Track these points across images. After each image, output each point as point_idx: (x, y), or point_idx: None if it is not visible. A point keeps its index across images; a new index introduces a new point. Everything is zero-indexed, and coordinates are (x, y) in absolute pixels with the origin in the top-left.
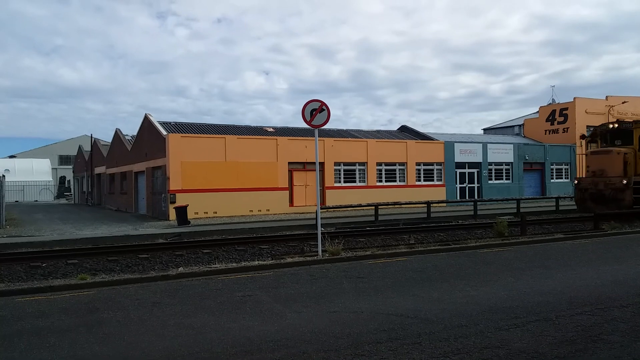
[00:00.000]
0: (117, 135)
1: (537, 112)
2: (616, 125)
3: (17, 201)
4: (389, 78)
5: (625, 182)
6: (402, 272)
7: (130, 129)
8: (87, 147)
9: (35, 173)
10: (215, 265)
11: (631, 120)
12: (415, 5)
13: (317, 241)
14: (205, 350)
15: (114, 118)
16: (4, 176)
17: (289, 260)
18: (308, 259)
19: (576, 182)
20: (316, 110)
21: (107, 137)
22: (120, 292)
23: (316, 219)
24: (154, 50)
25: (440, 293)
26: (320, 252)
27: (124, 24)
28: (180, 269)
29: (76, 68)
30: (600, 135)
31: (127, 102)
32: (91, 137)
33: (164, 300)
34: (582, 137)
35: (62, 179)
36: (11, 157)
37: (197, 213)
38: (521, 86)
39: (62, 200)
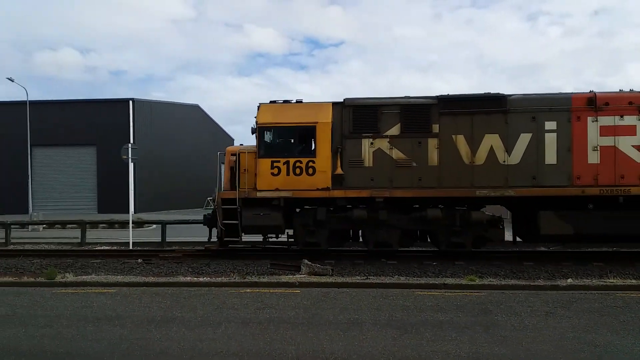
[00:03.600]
0: None
1: None
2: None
3: None
4: None
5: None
6: None
7: None
8: None
9: None
10: (610, 280)
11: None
12: None
13: None
14: None
15: None
16: None
17: None
18: None
19: None
20: None
21: None
22: (510, 296)
23: None
24: (523, 54)
25: None
26: None
27: (493, 32)
28: (570, 280)
29: (448, 80)
30: None
31: None
32: None
33: (558, 311)
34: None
35: None
36: None
37: None
38: None
39: None
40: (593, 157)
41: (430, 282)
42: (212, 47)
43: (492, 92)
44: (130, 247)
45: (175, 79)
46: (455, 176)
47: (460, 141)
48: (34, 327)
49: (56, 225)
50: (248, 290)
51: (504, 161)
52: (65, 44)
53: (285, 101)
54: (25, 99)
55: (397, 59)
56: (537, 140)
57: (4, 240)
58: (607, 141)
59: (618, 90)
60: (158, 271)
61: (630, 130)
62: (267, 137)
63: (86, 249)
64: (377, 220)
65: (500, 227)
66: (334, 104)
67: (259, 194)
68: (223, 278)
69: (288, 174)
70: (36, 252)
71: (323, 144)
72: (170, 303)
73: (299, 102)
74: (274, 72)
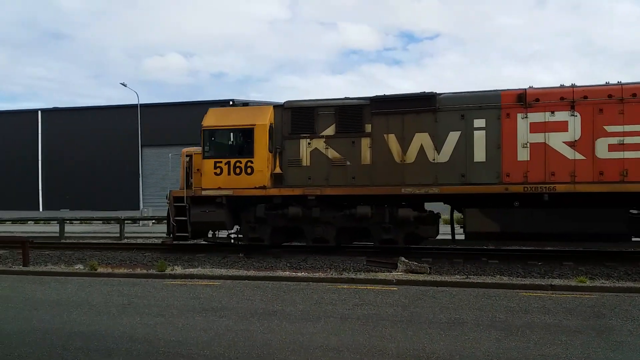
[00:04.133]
0: None
1: None
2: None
3: None
4: None
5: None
6: None
7: None
8: None
9: None
10: None
11: None
12: None
13: None
14: None
15: None
16: None
17: None
18: None
19: None
20: None
21: None
22: (625, 300)
23: None
24: (637, 39)
25: None
26: None
27: (603, 17)
28: None
29: (553, 70)
30: None
31: None
32: None
33: None
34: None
35: None
36: None
37: None
38: None
39: None
40: (523, 154)
41: (536, 283)
42: (306, 47)
43: (425, 91)
44: (232, 242)
45: (271, 79)
46: (387, 175)
47: (392, 140)
48: (147, 315)
49: (164, 221)
50: (345, 287)
51: (434, 159)
52: (170, 49)
53: (231, 105)
54: (137, 102)
55: (497, 49)
56: (466, 138)
57: (118, 235)
58: (538, 138)
59: (559, 86)
60: (258, 265)
61: (561, 126)
62: (211, 139)
63: (192, 243)
64: (311, 217)
65: (433, 224)
66: (275, 106)
67: (203, 193)
68: (320, 273)
69: (229, 173)
70: (147, 246)
71: (261, 145)
72: (271, 296)
73: (245, 104)
74: (368, 69)
